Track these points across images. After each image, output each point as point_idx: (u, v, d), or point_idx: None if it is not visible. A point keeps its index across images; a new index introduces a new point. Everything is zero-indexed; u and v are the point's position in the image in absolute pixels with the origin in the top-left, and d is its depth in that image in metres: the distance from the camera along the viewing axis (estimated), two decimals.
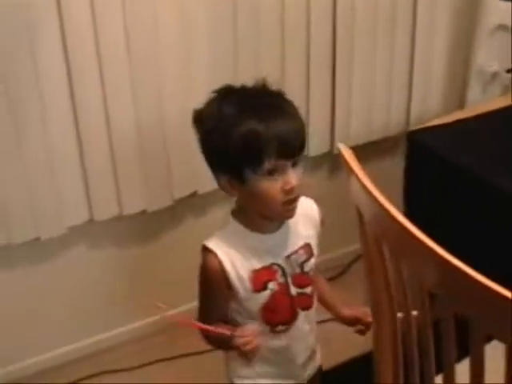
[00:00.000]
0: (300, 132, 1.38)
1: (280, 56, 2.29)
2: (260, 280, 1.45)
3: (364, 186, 1.17)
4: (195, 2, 2.06)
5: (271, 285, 1.47)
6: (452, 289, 0.99)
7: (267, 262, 1.47)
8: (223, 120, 1.34)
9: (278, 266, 1.47)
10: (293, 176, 1.36)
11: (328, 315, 1.70)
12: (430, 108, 2.67)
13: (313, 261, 1.54)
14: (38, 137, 2.00)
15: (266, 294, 1.46)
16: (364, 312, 1.56)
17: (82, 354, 2.45)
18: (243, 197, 1.43)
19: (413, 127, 2.46)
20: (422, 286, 1.09)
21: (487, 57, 2.57)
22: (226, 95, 1.40)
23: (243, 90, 1.42)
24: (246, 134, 1.31)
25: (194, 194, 2.33)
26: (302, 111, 2.22)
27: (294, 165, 1.37)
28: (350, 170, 1.24)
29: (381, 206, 1.11)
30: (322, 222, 1.58)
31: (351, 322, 1.63)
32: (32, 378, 2.35)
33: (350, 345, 1.73)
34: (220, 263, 1.43)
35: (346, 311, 1.64)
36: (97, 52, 1.97)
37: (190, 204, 2.39)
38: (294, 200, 1.39)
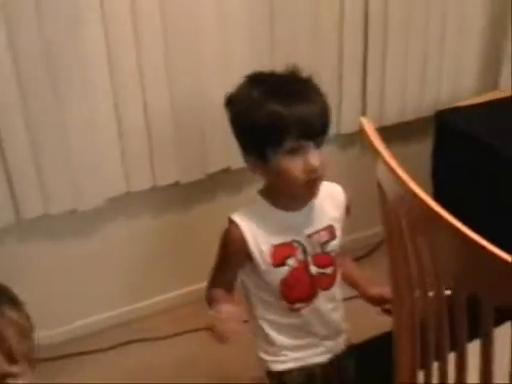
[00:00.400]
0: (323, 115, 1.44)
1: (313, 35, 2.33)
2: (280, 255, 1.51)
3: (385, 161, 1.21)
4: None
5: (290, 261, 1.52)
6: (473, 267, 1.01)
7: (288, 238, 1.52)
8: (250, 103, 1.43)
9: (299, 243, 1.52)
10: (314, 156, 1.42)
11: (355, 293, 1.72)
12: (463, 90, 2.67)
13: (335, 242, 1.57)
14: (79, 110, 2.07)
15: (285, 269, 1.51)
16: (389, 291, 1.59)
17: (116, 322, 2.52)
18: (268, 176, 1.50)
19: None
20: (441, 264, 1.12)
21: None
22: (256, 80, 1.48)
23: (272, 75, 1.50)
24: (269, 114, 1.39)
25: (227, 170, 2.38)
26: (334, 91, 2.28)
27: (317, 146, 1.43)
28: (371, 144, 1.27)
29: (402, 181, 1.13)
30: (348, 209, 1.62)
31: (377, 301, 1.65)
32: (66, 345, 2.43)
33: (376, 322, 1.75)
34: (241, 233, 1.49)
35: (373, 290, 1.66)
36: (134, 31, 2.05)
37: (224, 179, 2.45)
38: (316, 180, 1.45)
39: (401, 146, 2.69)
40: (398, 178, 1.15)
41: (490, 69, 2.72)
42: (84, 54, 2.02)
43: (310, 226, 1.53)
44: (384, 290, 1.59)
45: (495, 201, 2.11)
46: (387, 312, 1.59)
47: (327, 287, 1.59)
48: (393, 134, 2.63)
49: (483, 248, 0.95)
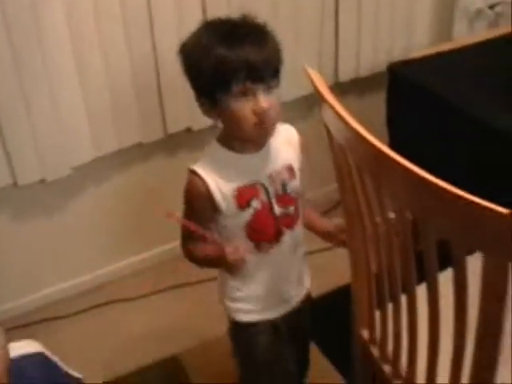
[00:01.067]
0: (271, 59, 1.46)
1: None
2: (244, 197, 1.53)
3: (331, 105, 1.27)
4: None
5: (254, 203, 1.54)
6: (430, 206, 1.06)
7: (250, 180, 1.54)
8: (200, 48, 1.45)
9: (261, 184, 1.55)
10: (263, 99, 1.43)
11: (319, 245, 1.78)
12: (416, 44, 2.72)
13: (295, 183, 1.60)
14: (41, 80, 2.10)
15: (250, 211, 1.54)
16: (336, 224, 1.65)
17: (88, 286, 2.59)
18: (221, 121, 1.53)
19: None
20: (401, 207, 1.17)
21: None
22: (207, 27, 1.51)
23: (224, 21, 1.51)
24: (215, 59, 1.41)
25: (189, 130, 2.43)
26: (292, 50, 2.30)
27: (268, 90, 1.45)
28: (317, 91, 1.33)
29: (352, 130, 1.19)
30: (303, 147, 1.65)
31: (334, 233, 1.68)
32: (42, 309, 2.49)
33: (341, 274, 1.83)
34: (204, 184, 1.50)
35: (328, 224, 1.71)
36: None
37: (186, 140, 2.48)
38: (267, 122, 1.47)
39: (358, 100, 2.77)
40: (343, 121, 1.21)
41: (443, 20, 2.76)
42: (44, 20, 2.03)
43: (269, 166, 1.56)
44: (338, 221, 1.65)
45: (447, 150, 2.16)
46: (343, 243, 1.63)
47: (291, 226, 1.62)
48: (349, 89, 2.71)
49: (424, 178, 1.02)
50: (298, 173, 1.62)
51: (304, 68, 1.39)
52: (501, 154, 1.95)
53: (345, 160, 1.31)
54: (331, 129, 1.33)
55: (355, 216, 1.38)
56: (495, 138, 1.97)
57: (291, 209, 1.61)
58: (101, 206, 2.51)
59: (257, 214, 1.55)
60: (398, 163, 1.07)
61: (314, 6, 2.47)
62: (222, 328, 1.78)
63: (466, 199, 0.95)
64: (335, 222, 1.67)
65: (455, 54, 2.37)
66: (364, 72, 2.69)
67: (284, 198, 1.59)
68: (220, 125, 1.55)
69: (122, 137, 2.34)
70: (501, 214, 0.91)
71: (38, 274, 2.50)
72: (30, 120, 2.13)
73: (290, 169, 1.60)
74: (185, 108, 2.32)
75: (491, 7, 2.63)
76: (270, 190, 1.56)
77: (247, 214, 1.54)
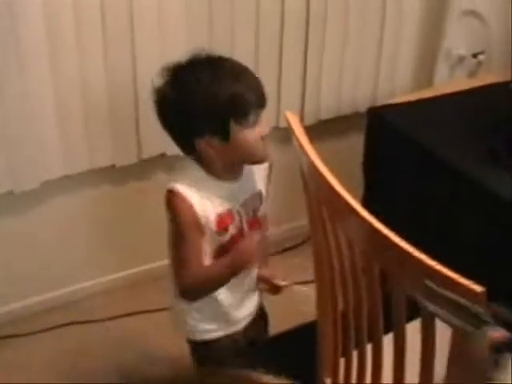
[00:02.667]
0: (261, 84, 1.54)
1: (255, 29, 2.36)
2: (223, 222, 1.59)
3: (306, 154, 1.27)
4: None
5: (231, 228, 1.61)
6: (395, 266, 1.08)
7: (228, 206, 1.59)
8: (201, 85, 1.48)
9: (236, 210, 1.61)
10: (266, 123, 1.55)
11: None
12: (398, 87, 2.74)
13: (262, 208, 1.69)
14: (16, 93, 2.07)
15: (227, 236, 1.60)
16: (272, 274, 1.77)
17: (52, 304, 2.53)
18: (222, 153, 1.54)
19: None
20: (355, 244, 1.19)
21: (455, 40, 2.64)
22: (185, 67, 1.53)
23: (198, 60, 1.54)
24: (232, 93, 1.46)
25: (163, 155, 2.40)
26: (274, 84, 2.32)
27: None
28: (295, 137, 1.35)
29: (317, 170, 1.21)
30: (270, 165, 1.70)
31: (265, 280, 1.78)
32: (6, 325, 2.43)
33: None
34: (192, 206, 1.53)
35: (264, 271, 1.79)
36: (74, 9, 2.04)
37: (159, 164, 2.46)
38: (266, 144, 1.56)
39: (337, 140, 2.77)
40: (317, 172, 1.22)
41: (425, 66, 2.78)
42: (21, 32, 2.00)
43: (244, 192, 1.63)
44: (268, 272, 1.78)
45: (422, 196, 2.16)
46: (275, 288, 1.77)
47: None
48: (330, 128, 2.72)
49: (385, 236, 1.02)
50: (264, 195, 1.70)
51: (284, 114, 1.44)
52: (475, 204, 1.96)
53: (317, 206, 1.30)
54: (306, 177, 1.33)
55: (324, 254, 1.37)
56: (469, 186, 1.98)
57: (258, 232, 1.67)
58: (69, 224, 2.47)
59: (232, 237, 1.61)
60: (365, 220, 1.06)
61: (298, 46, 2.49)
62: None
63: (429, 266, 0.94)
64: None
65: (436, 101, 2.38)
66: (345, 111, 2.70)
67: (253, 222, 1.67)
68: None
69: (95, 157, 2.30)
70: (474, 292, 0.89)
71: (2, 289, 2.44)
72: (1, 130, 2.10)
73: (260, 195, 1.68)
74: (161, 132, 2.28)
75: (474, 56, 2.64)
76: (243, 214, 1.63)
77: (223, 238, 1.60)
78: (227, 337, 1.76)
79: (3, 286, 2.43)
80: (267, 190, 1.72)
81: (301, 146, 1.31)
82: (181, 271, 1.60)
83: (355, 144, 2.54)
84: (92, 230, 2.52)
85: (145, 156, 2.38)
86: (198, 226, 1.55)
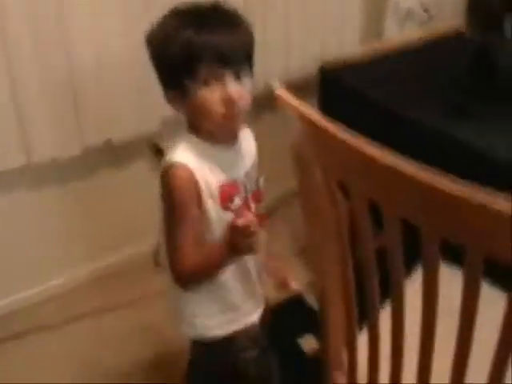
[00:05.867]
0: (241, 43, 1.35)
1: None
2: (228, 194, 1.42)
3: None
4: None
5: (237, 200, 1.43)
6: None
7: (232, 176, 1.43)
8: (166, 35, 1.35)
9: (241, 180, 1.45)
10: (232, 87, 1.33)
11: None
12: (346, 44, 2.68)
13: (262, 178, 1.53)
14: None
15: (233, 209, 1.42)
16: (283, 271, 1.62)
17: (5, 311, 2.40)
18: (189, 112, 1.39)
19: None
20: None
21: None
22: (174, 13, 1.39)
23: (193, 6, 1.39)
24: (181, 43, 1.31)
25: (108, 143, 2.26)
26: None
27: (238, 78, 1.35)
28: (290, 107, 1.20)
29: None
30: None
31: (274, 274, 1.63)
32: None
33: None
34: (192, 174, 1.35)
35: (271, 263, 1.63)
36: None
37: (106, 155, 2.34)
38: (235, 114, 1.36)
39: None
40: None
41: (374, 22, 2.73)
42: None
43: (244, 162, 1.48)
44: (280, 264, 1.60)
45: None
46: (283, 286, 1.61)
47: (262, 224, 1.45)
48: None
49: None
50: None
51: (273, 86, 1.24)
52: (432, 153, 1.88)
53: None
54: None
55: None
56: (426, 136, 1.92)
57: (261, 205, 1.52)
58: (14, 226, 2.33)
59: (237, 211, 1.42)
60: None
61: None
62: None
63: None
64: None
65: (390, 57, 2.31)
66: (295, 75, 2.60)
67: (257, 193, 1.51)
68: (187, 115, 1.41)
69: (32, 151, 2.14)
70: None
71: None
72: None
73: (256, 165, 1.52)
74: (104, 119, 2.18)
75: (425, 10, 2.57)
76: (248, 185, 1.47)
77: (229, 215, 1.40)
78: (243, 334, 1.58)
79: None
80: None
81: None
82: (175, 258, 1.40)
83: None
84: (37, 230, 2.38)
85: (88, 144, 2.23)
86: (199, 199, 1.37)
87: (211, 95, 1.33)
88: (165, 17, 1.39)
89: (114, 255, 2.48)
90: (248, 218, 1.31)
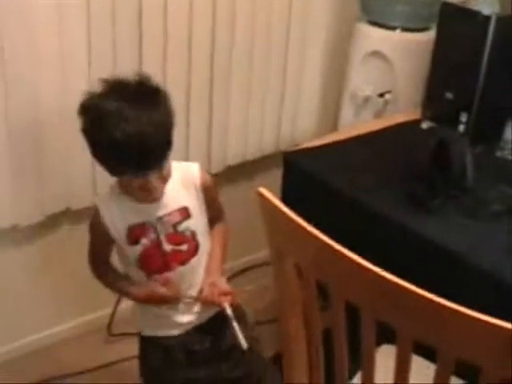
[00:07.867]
0: (159, 145, 1.55)
1: (162, 78, 2.28)
2: (134, 235, 1.69)
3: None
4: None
5: (144, 240, 1.69)
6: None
7: (141, 220, 1.68)
8: (96, 117, 1.54)
9: (151, 224, 1.69)
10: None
11: None
12: (302, 129, 2.78)
13: (191, 221, 1.73)
14: None
15: (139, 248, 1.70)
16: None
17: None
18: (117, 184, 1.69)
19: (285, 147, 2.62)
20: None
21: (360, 81, 2.65)
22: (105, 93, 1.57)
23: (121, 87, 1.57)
24: (107, 142, 1.51)
25: (68, 210, 2.29)
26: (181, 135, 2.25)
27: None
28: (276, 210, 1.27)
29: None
30: (205, 185, 1.75)
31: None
32: None
33: None
34: (101, 218, 1.67)
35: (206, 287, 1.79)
36: None
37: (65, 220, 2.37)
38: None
39: (245, 184, 2.77)
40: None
41: (330, 110, 2.82)
42: None
43: (162, 209, 1.69)
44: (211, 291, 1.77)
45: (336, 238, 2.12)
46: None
47: (183, 262, 1.75)
48: (238, 173, 2.72)
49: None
50: (196, 211, 1.74)
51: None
52: (386, 242, 1.95)
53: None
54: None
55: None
56: (385, 225, 1.96)
57: (184, 246, 1.74)
58: None
59: (145, 249, 1.70)
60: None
61: (204, 95, 2.46)
62: None
63: None
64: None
65: (349, 143, 2.35)
66: (250, 156, 2.70)
67: (175, 237, 1.72)
68: None
69: None
70: None
71: None
72: None
73: (185, 210, 1.72)
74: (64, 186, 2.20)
75: (381, 95, 2.63)
76: (160, 228, 1.69)
77: (137, 249, 1.70)
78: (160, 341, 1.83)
79: None
80: (201, 207, 1.76)
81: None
82: (89, 258, 1.78)
83: (265, 186, 2.49)
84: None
85: (48, 212, 2.25)
86: (107, 236, 1.69)
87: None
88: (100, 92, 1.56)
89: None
90: (171, 289, 1.72)
